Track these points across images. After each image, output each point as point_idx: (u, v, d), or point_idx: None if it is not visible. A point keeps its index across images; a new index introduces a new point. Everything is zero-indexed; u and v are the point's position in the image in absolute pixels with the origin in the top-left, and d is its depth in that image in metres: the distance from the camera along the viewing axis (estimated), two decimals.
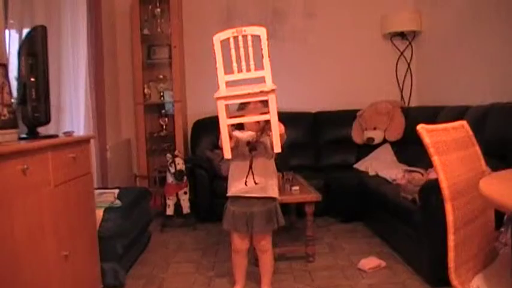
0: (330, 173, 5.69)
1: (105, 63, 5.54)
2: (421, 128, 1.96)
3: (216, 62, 2.90)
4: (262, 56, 2.86)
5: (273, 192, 3.39)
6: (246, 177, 3.30)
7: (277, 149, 2.91)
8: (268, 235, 3.48)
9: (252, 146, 3.29)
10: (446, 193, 1.93)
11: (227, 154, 2.91)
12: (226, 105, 2.91)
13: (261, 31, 2.93)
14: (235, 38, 2.91)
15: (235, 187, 3.37)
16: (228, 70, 2.92)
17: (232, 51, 2.90)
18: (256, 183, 3.29)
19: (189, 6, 6.53)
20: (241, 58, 2.85)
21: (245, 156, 3.30)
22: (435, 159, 1.94)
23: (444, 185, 1.92)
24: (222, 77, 2.92)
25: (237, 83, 2.95)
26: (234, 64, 2.90)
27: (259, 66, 2.89)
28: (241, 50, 2.82)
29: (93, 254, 3.52)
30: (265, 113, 2.88)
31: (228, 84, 2.94)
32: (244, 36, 2.91)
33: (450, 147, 2.05)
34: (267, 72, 2.88)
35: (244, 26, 3.03)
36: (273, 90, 2.80)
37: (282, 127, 3.02)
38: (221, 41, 2.92)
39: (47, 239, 2.71)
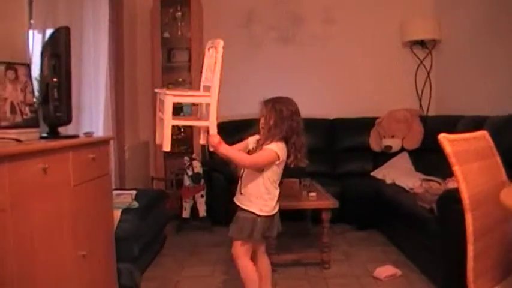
0: (346, 180, 5.67)
1: (125, 65, 5.59)
2: (442, 137, 1.96)
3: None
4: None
5: (253, 206, 3.19)
6: (238, 186, 3.32)
7: (165, 147, 3.06)
8: (234, 242, 3.27)
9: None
10: (466, 203, 1.92)
11: (166, 147, 3.06)
12: (174, 103, 3.03)
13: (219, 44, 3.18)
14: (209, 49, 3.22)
15: (236, 194, 3.37)
16: None
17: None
18: (241, 194, 3.26)
19: (210, 10, 6.55)
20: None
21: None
22: (456, 168, 1.93)
23: (465, 195, 1.92)
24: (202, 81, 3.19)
25: None
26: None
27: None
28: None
29: (110, 255, 3.53)
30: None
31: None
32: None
33: (471, 157, 2.04)
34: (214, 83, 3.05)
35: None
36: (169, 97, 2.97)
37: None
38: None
39: (65, 239, 2.73)
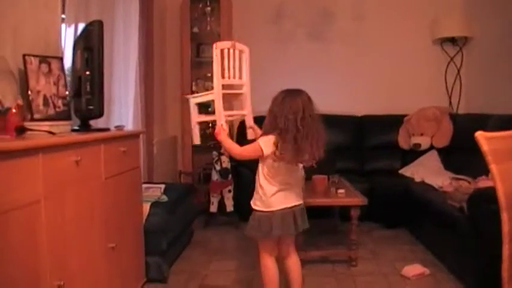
0: (375, 178, 5.63)
1: (155, 59, 5.61)
2: (479, 134, 1.93)
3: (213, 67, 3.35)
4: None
5: (252, 200, 3.20)
6: None
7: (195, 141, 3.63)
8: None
9: None
10: (503, 202, 1.89)
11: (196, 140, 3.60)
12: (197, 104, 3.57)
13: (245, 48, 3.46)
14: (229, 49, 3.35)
15: None
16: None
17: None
18: None
19: (239, 5, 6.55)
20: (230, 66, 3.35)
21: None
22: (492, 167, 1.90)
23: (501, 194, 1.89)
24: (219, 80, 3.30)
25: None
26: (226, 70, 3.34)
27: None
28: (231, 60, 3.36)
29: (139, 248, 3.57)
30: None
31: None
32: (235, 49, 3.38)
33: (508, 156, 2.01)
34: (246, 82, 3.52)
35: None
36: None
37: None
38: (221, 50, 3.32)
39: (95, 231, 2.76)
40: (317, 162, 3.12)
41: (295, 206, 3.15)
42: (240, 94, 3.52)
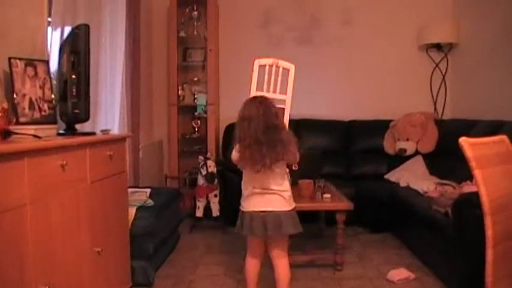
0: (360, 183, 5.64)
1: (142, 63, 5.60)
2: (463, 140, 1.95)
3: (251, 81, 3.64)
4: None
5: None
6: None
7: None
8: None
9: None
10: (486, 207, 1.91)
11: None
12: None
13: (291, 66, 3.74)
14: (271, 66, 3.64)
15: None
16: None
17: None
18: None
19: (227, 10, 6.56)
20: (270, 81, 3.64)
21: None
22: (477, 172, 1.92)
23: (485, 199, 1.91)
24: (254, 92, 3.60)
25: None
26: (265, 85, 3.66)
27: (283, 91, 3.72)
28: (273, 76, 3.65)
29: (125, 252, 3.56)
30: None
31: None
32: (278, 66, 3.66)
33: (491, 162, 2.03)
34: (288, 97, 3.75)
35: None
36: None
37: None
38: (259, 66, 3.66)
39: (81, 235, 2.75)
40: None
41: (268, 211, 3.19)
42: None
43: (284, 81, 3.65)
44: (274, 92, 3.62)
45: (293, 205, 3.28)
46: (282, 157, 3.10)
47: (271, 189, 3.18)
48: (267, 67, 3.60)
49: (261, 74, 3.63)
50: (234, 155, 3.19)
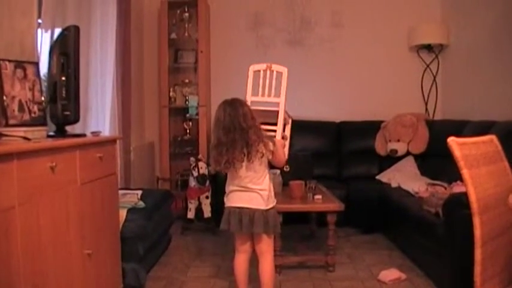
0: (352, 184, 5.65)
1: (132, 65, 5.59)
2: (451, 140, 1.96)
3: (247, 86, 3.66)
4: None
5: None
6: None
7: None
8: None
9: None
10: (474, 207, 1.92)
11: None
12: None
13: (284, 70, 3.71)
14: (265, 71, 3.67)
15: None
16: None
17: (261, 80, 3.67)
18: None
19: (217, 11, 6.57)
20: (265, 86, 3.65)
21: None
22: (465, 172, 1.93)
23: (473, 198, 1.91)
24: (249, 97, 3.63)
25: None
26: (260, 89, 3.66)
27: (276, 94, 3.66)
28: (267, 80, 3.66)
29: (115, 254, 3.54)
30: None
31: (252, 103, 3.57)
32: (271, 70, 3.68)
33: (479, 161, 2.04)
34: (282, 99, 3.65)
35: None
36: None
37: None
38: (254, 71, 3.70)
39: (71, 237, 2.74)
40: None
41: (244, 207, 3.29)
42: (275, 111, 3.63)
43: (278, 85, 3.67)
44: (269, 95, 3.64)
45: (270, 205, 3.32)
46: (245, 157, 3.20)
47: (249, 188, 3.28)
48: (261, 72, 3.65)
49: (256, 78, 3.68)
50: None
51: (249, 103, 3.48)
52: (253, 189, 3.27)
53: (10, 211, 2.08)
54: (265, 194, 3.28)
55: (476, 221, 1.91)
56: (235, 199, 3.33)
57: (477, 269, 1.94)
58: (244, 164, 3.21)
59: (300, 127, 5.52)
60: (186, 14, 6.31)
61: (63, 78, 3.07)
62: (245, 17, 6.59)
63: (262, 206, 3.27)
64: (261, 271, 3.38)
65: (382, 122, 6.21)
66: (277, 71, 3.67)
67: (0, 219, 2.00)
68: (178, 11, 6.34)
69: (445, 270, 3.59)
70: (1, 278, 2.02)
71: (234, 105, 3.24)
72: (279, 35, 6.59)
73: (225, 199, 3.40)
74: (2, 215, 2.02)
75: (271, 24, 6.56)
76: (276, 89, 3.66)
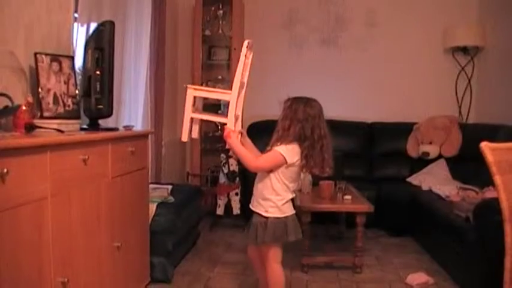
0: (382, 185, 5.61)
1: (166, 61, 5.64)
2: (484, 145, 1.93)
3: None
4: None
5: (259, 207, 3.12)
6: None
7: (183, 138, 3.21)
8: (263, 249, 3.20)
9: None
10: (506, 214, 1.89)
11: (184, 137, 3.23)
12: (195, 97, 3.23)
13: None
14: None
15: None
16: None
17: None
18: (253, 194, 3.21)
19: (252, 9, 6.57)
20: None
21: None
22: (497, 178, 1.91)
23: (505, 205, 1.89)
24: (238, 79, 3.23)
25: None
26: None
27: None
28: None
29: (144, 248, 3.58)
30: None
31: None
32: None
33: None
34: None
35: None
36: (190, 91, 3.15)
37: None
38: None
39: (101, 229, 2.78)
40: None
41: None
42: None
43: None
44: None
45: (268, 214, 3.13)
46: (329, 162, 3.09)
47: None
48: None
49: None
50: (290, 157, 3.03)
51: (237, 87, 3.21)
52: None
53: (43, 202, 2.12)
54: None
55: (508, 228, 1.88)
56: (291, 205, 3.16)
57: (506, 276, 1.91)
58: None
59: (331, 127, 5.50)
60: (220, 11, 6.33)
61: (98, 72, 3.12)
62: (279, 16, 6.59)
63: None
64: (271, 279, 3.21)
65: (414, 123, 6.15)
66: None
67: (33, 210, 2.04)
68: (212, 8, 6.37)
69: (473, 276, 3.55)
70: (32, 267, 2.06)
71: (320, 105, 3.16)
72: (312, 34, 6.58)
73: (282, 208, 3.09)
74: (35, 205, 2.06)
75: (305, 23, 6.55)
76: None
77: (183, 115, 3.20)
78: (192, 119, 3.22)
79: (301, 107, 3.06)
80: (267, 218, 3.09)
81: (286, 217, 3.10)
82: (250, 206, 3.21)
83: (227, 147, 3.25)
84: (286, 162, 3.03)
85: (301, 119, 3.04)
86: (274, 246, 3.14)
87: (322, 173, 3.13)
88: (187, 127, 3.22)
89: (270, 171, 3.08)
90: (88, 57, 3.18)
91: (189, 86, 3.18)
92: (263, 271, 3.26)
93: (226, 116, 3.16)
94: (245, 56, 3.12)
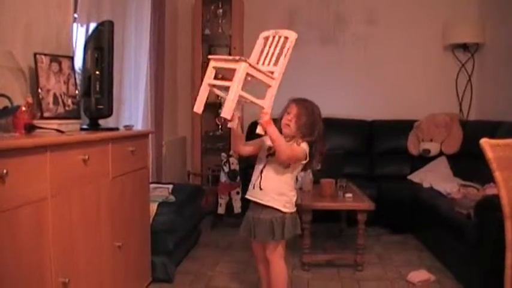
0: (383, 183, 5.61)
1: (166, 60, 5.63)
2: (484, 142, 1.93)
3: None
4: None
5: (276, 203, 3.08)
6: (255, 181, 3.18)
7: (224, 114, 3.00)
8: (271, 245, 3.16)
9: (272, 152, 3.12)
10: (506, 210, 1.89)
11: (197, 108, 3.18)
12: (215, 68, 3.23)
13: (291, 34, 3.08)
14: (273, 37, 3.14)
15: (249, 190, 3.24)
16: None
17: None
18: (261, 189, 3.12)
19: (251, 8, 6.57)
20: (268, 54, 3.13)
21: (261, 159, 3.19)
22: (497, 174, 1.90)
23: (505, 201, 1.88)
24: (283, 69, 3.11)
25: None
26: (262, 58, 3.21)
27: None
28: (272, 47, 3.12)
29: (145, 247, 3.58)
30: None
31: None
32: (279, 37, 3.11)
33: None
34: (278, 69, 3.08)
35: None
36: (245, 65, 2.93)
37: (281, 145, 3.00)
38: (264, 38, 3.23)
39: (102, 229, 2.78)
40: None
41: None
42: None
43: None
44: (268, 64, 3.13)
45: None
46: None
47: None
48: (270, 38, 3.17)
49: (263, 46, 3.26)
50: (307, 156, 3.08)
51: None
52: None
53: (43, 202, 2.12)
54: None
55: (508, 225, 1.88)
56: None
57: (507, 273, 1.91)
58: None
59: (331, 125, 5.53)
60: (220, 10, 6.32)
61: (97, 72, 3.12)
62: (279, 14, 6.57)
63: None
64: (273, 275, 3.22)
65: (415, 121, 6.15)
66: (284, 37, 3.12)
67: (33, 210, 2.04)
68: (212, 7, 6.36)
69: (475, 273, 3.54)
70: (33, 268, 2.06)
71: None
72: (312, 32, 6.56)
73: (294, 202, 3.17)
74: (35, 206, 2.06)
75: (305, 21, 6.54)
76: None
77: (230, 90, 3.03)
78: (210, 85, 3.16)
79: (317, 110, 3.19)
80: (284, 213, 3.09)
81: (296, 212, 3.20)
82: (257, 199, 3.16)
83: (259, 132, 3.08)
84: (306, 160, 3.09)
85: (319, 121, 3.15)
86: (282, 242, 3.17)
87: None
88: (202, 97, 3.18)
89: (288, 166, 3.10)
90: (88, 57, 3.19)
91: (242, 58, 2.99)
92: (266, 268, 3.27)
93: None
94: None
